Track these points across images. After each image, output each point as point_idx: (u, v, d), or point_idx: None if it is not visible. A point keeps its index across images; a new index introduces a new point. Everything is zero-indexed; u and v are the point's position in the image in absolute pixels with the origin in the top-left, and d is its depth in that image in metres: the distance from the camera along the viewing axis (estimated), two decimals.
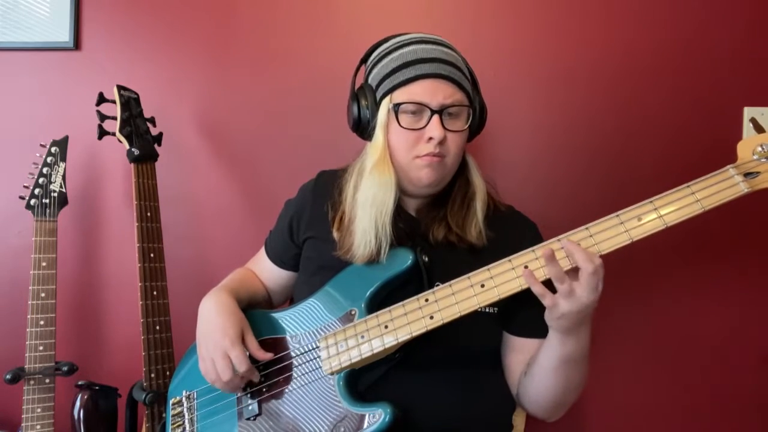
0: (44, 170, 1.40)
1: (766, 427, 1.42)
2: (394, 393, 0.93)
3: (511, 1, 1.48)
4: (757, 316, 1.42)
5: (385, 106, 0.98)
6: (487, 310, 0.98)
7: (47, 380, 1.35)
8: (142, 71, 1.55)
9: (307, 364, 0.98)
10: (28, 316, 1.34)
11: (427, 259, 0.98)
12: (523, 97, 1.47)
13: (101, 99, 1.38)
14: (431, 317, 0.89)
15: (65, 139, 1.43)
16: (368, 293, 0.97)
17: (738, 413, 1.42)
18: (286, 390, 0.98)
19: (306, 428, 0.94)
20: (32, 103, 1.57)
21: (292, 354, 1.00)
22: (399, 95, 0.97)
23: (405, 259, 0.97)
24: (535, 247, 0.87)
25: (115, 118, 1.38)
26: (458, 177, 1.05)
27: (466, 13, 1.48)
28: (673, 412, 1.44)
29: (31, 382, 1.33)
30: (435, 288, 0.91)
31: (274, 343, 1.02)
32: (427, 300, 0.90)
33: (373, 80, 1.01)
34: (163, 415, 1.27)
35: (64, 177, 1.41)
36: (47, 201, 1.39)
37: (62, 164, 1.42)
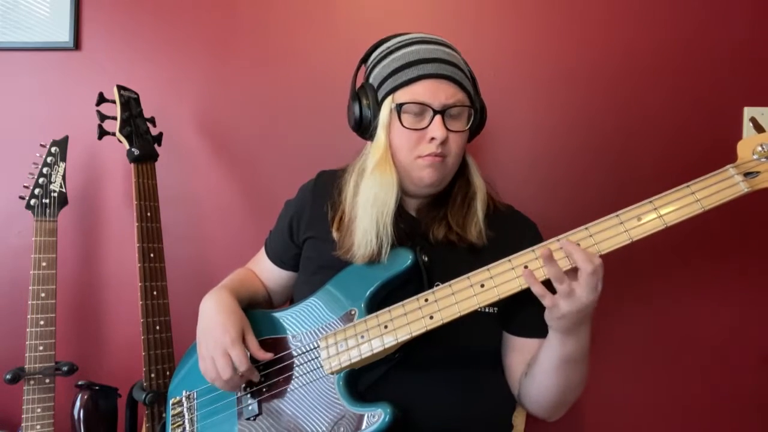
0: (44, 170, 1.40)
1: (766, 427, 1.42)
2: (394, 393, 0.93)
3: (513, 1, 1.48)
4: (757, 316, 1.42)
5: (388, 105, 0.98)
6: (486, 310, 0.98)
7: (47, 380, 1.35)
8: (142, 71, 1.55)
9: (307, 363, 0.98)
10: (28, 316, 1.34)
11: (426, 258, 0.98)
12: (524, 97, 1.47)
13: (101, 99, 1.38)
14: (431, 317, 0.89)
15: (65, 139, 1.43)
16: (368, 293, 0.97)
17: (738, 413, 1.42)
18: (286, 390, 0.98)
19: (306, 428, 0.94)
20: (32, 103, 1.57)
21: (293, 354, 1.00)
22: (401, 95, 0.97)
23: (405, 259, 0.97)
24: (534, 247, 0.87)
25: (115, 118, 1.38)
26: (458, 177, 1.05)
27: (468, 13, 1.48)
28: (673, 412, 1.44)
29: (31, 382, 1.33)
30: (435, 288, 0.91)
31: (275, 342, 1.02)
32: (426, 300, 0.90)
33: (374, 80, 1.01)
34: (163, 415, 1.27)
35: (64, 177, 1.41)
36: (47, 201, 1.39)
37: (62, 164, 1.42)
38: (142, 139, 1.38)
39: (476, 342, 1.00)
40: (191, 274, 1.52)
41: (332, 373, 0.93)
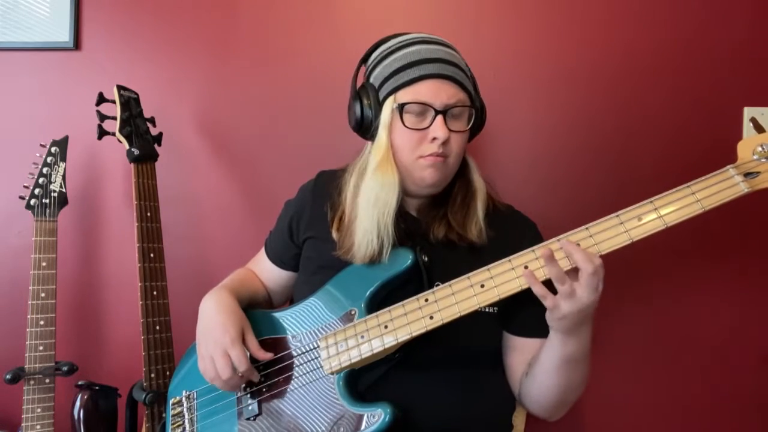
0: (44, 170, 1.40)
1: (766, 427, 1.42)
2: (394, 393, 0.93)
3: (513, 1, 1.48)
4: (757, 316, 1.42)
5: (389, 105, 0.98)
6: (486, 309, 0.98)
7: (47, 380, 1.35)
8: (142, 71, 1.55)
9: (307, 364, 0.98)
10: (28, 316, 1.34)
11: (426, 258, 0.98)
12: (524, 97, 1.47)
13: (101, 99, 1.38)
14: (431, 317, 0.89)
15: (65, 139, 1.43)
16: (368, 293, 0.97)
17: (738, 413, 1.42)
18: (286, 390, 0.98)
19: (306, 428, 0.94)
20: (32, 103, 1.57)
21: (293, 354, 1.00)
22: (403, 95, 0.97)
23: (405, 259, 0.97)
24: (535, 247, 0.87)
25: (115, 118, 1.37)
26: (458, 177, 1.05)
27: (468, 13, 1.48)
28: (673, 412, 1.44)
29: (31, 382, 1.33)
30: (435, 288, 0.91)
31: (275, 342, 1.02)
32: (426, 300, 0.90)
33: (375, 80, 1.01)
34: (163, 415, 1.27)
35: (64, 177, 1.41)
36: (47, 201, 1.39)
37: (62, 164, 1.42)
38: (142, 139, 1.38)
39: (476, 342, 1.00)
40: (191, 274, 1.52)
41: (332, 373, 0.93)
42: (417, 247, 0.98)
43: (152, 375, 1.28)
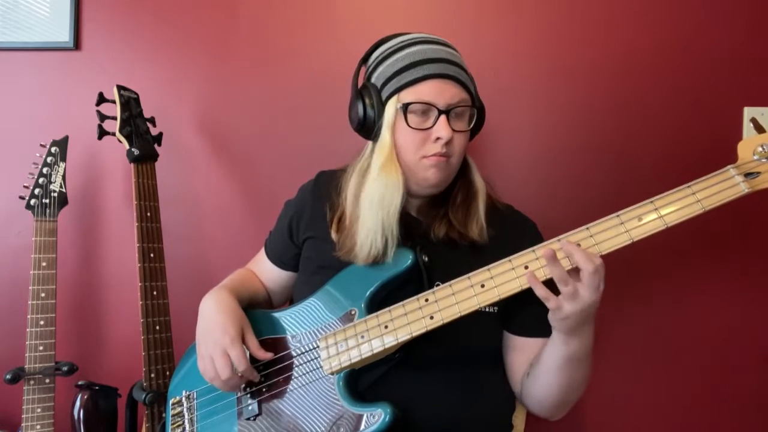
0: (44, 170, 1.40)
1: (766, 427, 1.42)
2: (394, 393, 0.93)
3: (513, 1, 1.48)
4: (757, 316, 1.42)
5: (392, 105, 0.97)
6: (487, 309, 0.97)
7: (47, 380, 1.34)
8: (142, 71, 1.55)
9: (307, 364, 0.98)
10: (28, 316, 1.34)
11: (427, 258, 0.98)
12: (524, 97, 1.47)
13: (101, 99, 1.38)
14: (431, 317, 0.89)
15: (65, 139, 1.43)
16: (368, 293, 0.97)
17: (738, 413, 1.42)
18: (286, 390, 0.98)
19: (306, 428, 0.94)
20: (32, 103, 1.57)
21: (293, 354, 1.00)
22: (406, 95, 0.96)
23: (405, 258, 0.97)
24: (535, 247, 0.87)
25: (115, 118, 1.37)
26: (459, 177, 1.05)
27: (468, 13, 1.48)
28: (673, 412, 1.44)
29: (31, 382, 1.33)
30: (435, 288, 0.91)
31: (275, 342, 1.02)
32: (427, 300, 0.90)
33: (377, 80, 1.01)
34: (163, 415, 1.27)
35: (64, 177, 1.41)
36: (47, 201, 1.39)
37: (62, 164, 1.42)
38: (142, 139, 1.38)
39: (476, 342, 1.00)
40: (191, 274, 1.52)
41: (332, 374, 0.93)
42: (417, 247, 0.98)
43: (152, 375, 1.28)
